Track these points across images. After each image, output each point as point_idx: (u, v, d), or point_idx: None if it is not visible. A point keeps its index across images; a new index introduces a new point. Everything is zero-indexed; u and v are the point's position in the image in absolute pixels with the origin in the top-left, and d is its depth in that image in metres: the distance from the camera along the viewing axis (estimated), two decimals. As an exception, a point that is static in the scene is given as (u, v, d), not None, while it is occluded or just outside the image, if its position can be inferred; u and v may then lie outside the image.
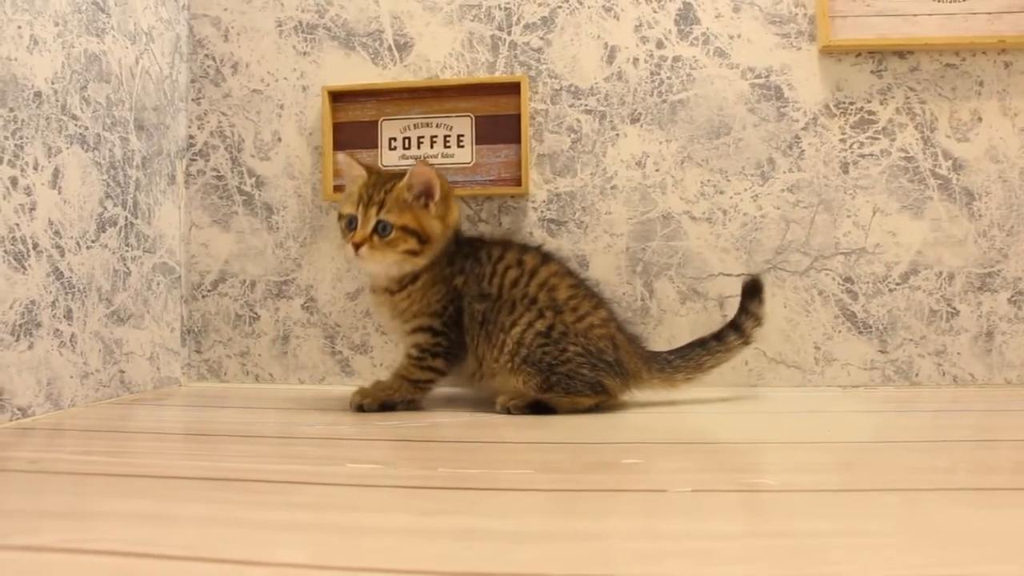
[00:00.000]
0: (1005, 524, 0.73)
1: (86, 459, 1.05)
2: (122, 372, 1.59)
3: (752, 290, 1.53)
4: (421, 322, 1.45)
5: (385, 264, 1.42)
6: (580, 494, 0.85)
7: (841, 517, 0.75)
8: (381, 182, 1.43)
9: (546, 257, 1.49)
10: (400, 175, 1.44)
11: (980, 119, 1.67)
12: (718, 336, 1.50)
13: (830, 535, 0.69)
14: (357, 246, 1.39)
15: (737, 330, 1.50)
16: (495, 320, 1.41)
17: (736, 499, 0.82)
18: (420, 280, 1.45)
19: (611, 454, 1.05)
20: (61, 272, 1.41)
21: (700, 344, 1.50)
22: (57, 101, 1.41)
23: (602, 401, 1.39)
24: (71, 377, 1.44)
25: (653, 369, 1.46)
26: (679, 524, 0.73)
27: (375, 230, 1.40)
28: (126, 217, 1.61)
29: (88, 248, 1.49)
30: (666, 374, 1.46)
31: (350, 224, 1.42)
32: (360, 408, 1.42)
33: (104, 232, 1.54)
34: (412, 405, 1.45)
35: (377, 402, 1.43)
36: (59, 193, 1.41)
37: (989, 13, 1.65)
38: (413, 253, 1.42)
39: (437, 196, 1.43)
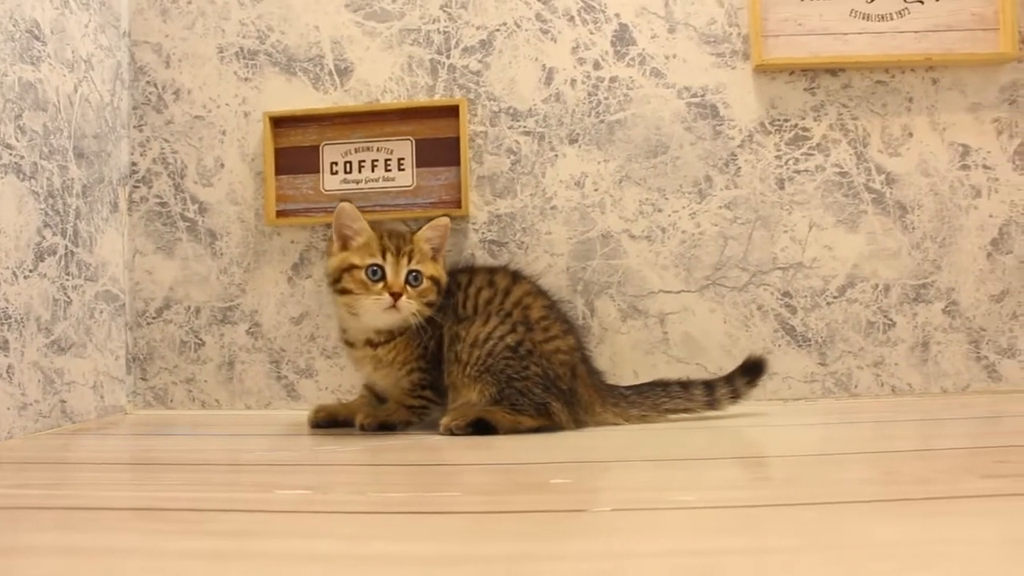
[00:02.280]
0: (916, 534, 0.74)
1: (20, 492, 1.04)
2: (63, 402, 1.58)
3: (751, 368, 1.52)
4: (410, 366, 1.47)
5: (411, 314, 1.43)
6: (502, 515, 0.86)
7: (755, 533, 0.77)
8: (397, 233, 1.48)
9: (516, 276, 1.52)
10: (405, 228, 1.52)
11: (911, 134, 1.71)
12: (685, 384, 1.50)
13: (740, 552, 0.71)
14: (397, 296, 1.40)
15: (708, 389, 1.49)
16: (465, 337, 1.43)
17: (654, 517, 0.83)
18: (406, 332, 1.46)
19: (542, 474, 1.06)
20: (-5, 303, 1.40)
21: (662, 385, 1.50)
22: (-11, 132, 1.40)
23: (543, 425, 1.40)
24: (8, 409, 1.43)
25: (608, 403, 1.47)
26: (593, 544, 0.74)
27: (407, 280, 1.42)
28: (66, 246, 1.60)
29: (25, 278, 1.48)
30: (620, 408, 1.47)
31: (374, 274, 1.42)
32: (361, 427, 1.45)
33: (43, 261, 1.53)
34: (409, 426, 1.48)
35: (377, 422, 1.46)
36: (-8, 224, 1.40)
37: (916, 32, 1.69)
38: (431, 304, 1.45)
39: (445, 248, 1.51)
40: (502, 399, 1.39)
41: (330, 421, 1.52)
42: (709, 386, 1.50)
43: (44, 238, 1.54)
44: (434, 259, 1.48)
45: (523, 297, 1.46)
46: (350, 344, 1.51)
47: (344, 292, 1.44)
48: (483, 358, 1.40)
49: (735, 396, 1.50)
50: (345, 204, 1.47)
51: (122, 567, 0.71)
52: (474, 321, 1.44)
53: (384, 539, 0.78)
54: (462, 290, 1.49)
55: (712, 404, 1.49)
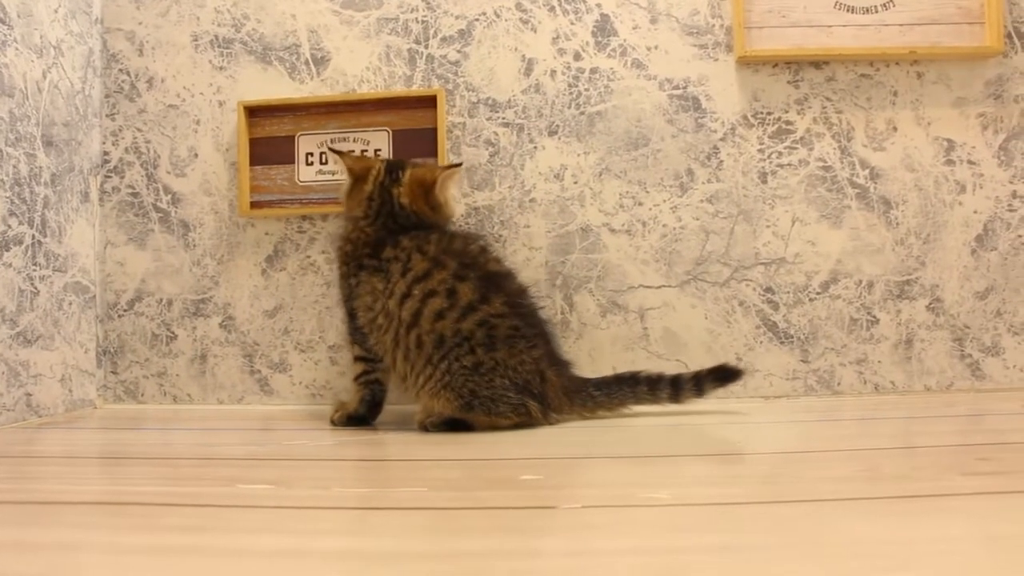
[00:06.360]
0: (897, 532, 0.72)
1: (-25, 486, 1.02)
2: (29, 395, 1.54)
3: (723, 374, 1.48)
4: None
5: None
6: (469, 512, 0.83)
7: (731, 531, 0.74)
8: None
9: (490, 285, 1.40)
10: None
11: (895, 128, 1.69)
12: (652, 383, 1.46)
13: (714, 550, 0.68)
14: None
15: (675, 388, 1.46)
16: (416, 351, 1.37)
17: (626, 514, 0.81)
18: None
19: (513, 470, 1.03)
20: (-43, 293, 1.37)
21: (631, 385, 1.46)
22: (-48, 117, 1.37)
23: (523, 422, 1.36)
24: (-31, 401, 1.39)
25: (576, 403, 1.44)
26: (562, 541, 0.72)
27: None
28: (33, 235, 1.56)
29: (-11, 268, 1.45)
30: (588, 408, 1.45)
31: None
32: (332, 423, 1.47)
33: (8, 251, 1.49)
34: (372, 408, 1.48)
35: (346, 415, 1.47)
36: (-46, 212, 1.37)
37: (900, 25, 1.66)
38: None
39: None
40: (472, 408, 1.35)
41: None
42: (676, 383, 1.46)
43: (10, 227, 1.50)
44: None
45: (488, 318, 1.37)
46: None
47: None
48: (441, 377, 1.35)
49: (699, 393, 1.47)
50: None
51: (74, 562, 0.68)
52: (423, 342, 1.36)
53: (345, 535, 0.76)
54: (403, 279, 1.39)
55: (676, 401, 1.46)
